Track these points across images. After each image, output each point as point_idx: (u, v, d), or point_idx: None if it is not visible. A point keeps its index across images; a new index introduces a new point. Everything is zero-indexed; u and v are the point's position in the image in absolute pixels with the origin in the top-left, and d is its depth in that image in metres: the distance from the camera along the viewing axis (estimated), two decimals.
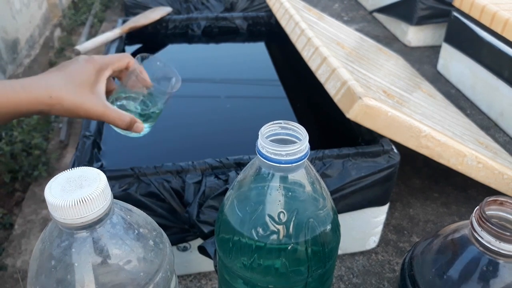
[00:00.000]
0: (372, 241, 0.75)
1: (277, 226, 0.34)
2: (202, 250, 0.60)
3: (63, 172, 0.31)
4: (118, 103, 0.59)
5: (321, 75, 0.75)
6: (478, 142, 0.84)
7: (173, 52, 1.13)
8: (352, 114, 0.65)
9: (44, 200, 0.30)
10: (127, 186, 0.59)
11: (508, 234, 0.31)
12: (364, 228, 0.72)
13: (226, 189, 0.59)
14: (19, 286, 0.76)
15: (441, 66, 1.32)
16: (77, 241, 0.30)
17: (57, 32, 1.79)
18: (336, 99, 0.69)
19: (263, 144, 0.33)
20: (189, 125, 0.84)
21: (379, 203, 0.69)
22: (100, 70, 0.55)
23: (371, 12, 1.75)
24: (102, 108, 0.53)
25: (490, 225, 0.32)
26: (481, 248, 0.33)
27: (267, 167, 0.34)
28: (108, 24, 1.80)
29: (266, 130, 0.35)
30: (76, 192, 0.29)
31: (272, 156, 0.33)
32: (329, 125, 0.85)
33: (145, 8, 1.35)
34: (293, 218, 0.34)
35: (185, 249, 0.67)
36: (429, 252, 0.37)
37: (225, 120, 0.86)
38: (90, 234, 0.30)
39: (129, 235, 0.32)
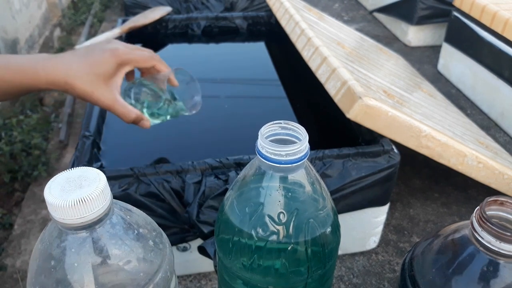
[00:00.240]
0: (372, 241, 0.75)
1: (277, 226, 0.34)
2: (202, 250, 0.60)
3: (63, 172, 0.31)
4: (135, 90, 0.62)
5: (321, 75, 0.75)
6: (479, 142, 0.84)
7: (173, 52, 1.13)
8: (352, 114, 0.65)
9: (43, 200, 0.30)
10: (126, 186, 0.59)
11: (509, 234, 0.31)
12: (364, 228, 0.72)
13: (226, 189, 0.59)
14: (18, 286, 0.76)
15: (442, 66, 1.32)
16: (77, 241, 0.30)
17: (57, 32, 1.79)
18: (336, 99, 0.69)
19: (263, 144, 0.33)
20: (189, 125, 0.84)
21: (379, 203, 0.69)
22: (122, 65, 0.57)
23: (371, 12, 1.75)
24: (111, 102, 0.56)
25: (491, 225, 0.32)
26: (481, 248, 0.33)
27: (267, 167, 0.34)
28: (107, 24, 1.80)
29: (266, 130, 0.35)
30: (76, 192, 0.29)
31: (272, 156, 0.33)
32: (329, 125, 0.85)
33: (145, 8, 1.35)
34: (293, 219, 0.34)
35: (185, 249, 0.67)
36: (430, 252, 0.37)
37: (225, 120, 0.86)
38: (90, 234, 0.30)
39: (129, 235, 0.32)
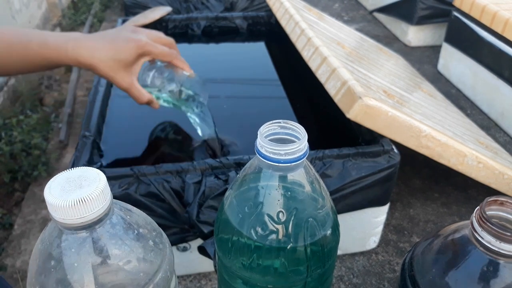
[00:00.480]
0: (372, 241, 0.75)
1: (276, 225, 0.34)
2: (202, 250, 0.60)
3: (63, 172, 0.31)
4: (154, 74, 0.71)
5: (321, 75, 0.75)
6: (479, 142, 0.84)
7: None
8: (352, 114, 0.65)
9: (43, 200, 0.30)
10: (126, 186, 0.59)
11: (509, 234, 0.31)
12: (364, 228, 0.72)
13: (226, 189, 0.59)
14: (18, 286, 0.76)
15: (442, 66, 1.32)
16: (77, 241, 0.30)
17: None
18: (336, 99, 0.69)
19: (262, 143, 0.33)
20: (189, 124, 0.84)
21: (379, 203, 0.69)
22: (142, 55, 0.66)
23: (371, 12, 1.75)
24: (129, 85, 0.66)
25: (491, 225, 0.32)
26: (481, 248, 0.33)
27: (266, 166, 0.34)
28: (107, 24, 1.80)
29: (265, 129, 0.35)
30: (76, 192, 0.29)
31: (271, 155, 0.33)
32: (329, 125, 0.85)
33: (145, 8, 1.35)
34: (292, 218, 0.34)
35: (185, 249, 0.67)
36: (429, 252, 0.37)
37: (225, 119, 0.86)
38: (90, 234, 0.30)
39: (129, 235, 0.32)
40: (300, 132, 0.34)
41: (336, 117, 0.73)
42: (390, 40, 1.54)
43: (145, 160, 0.75)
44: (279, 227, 0.34)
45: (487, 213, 0.33)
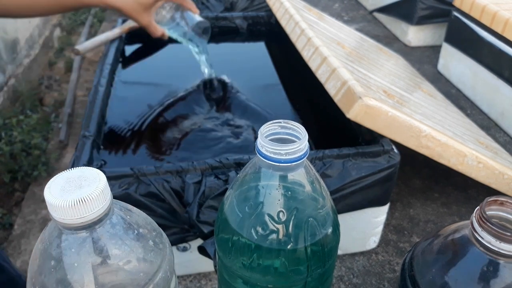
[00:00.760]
0: (372, 241, 0.75)
1: (276, 225, 0.34)
2: (202, 250, 0.60)
3: (63, 172, 0.31)
4: (166, 14, 0.90)
5: (321, 75, 0.75)
6: (479, 142, 0.84)
7: (173, 51, 1.12)
8: (352, 114, 0.65)
9: (43, 200, 0.30)
10: (126, 186, 0.59)
11: (509, 234, 0.31)
12: (364, 228, 0.72)
13: (226, 189, 0.59)
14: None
15: (442, 66, 1.32)
16: (77, 241, 0.30)
17: (57, 32, 1.79)
18: (336, 99, 0.69)
19: (263, 143, 0.33)
20: (189, 124, 0.84)
21: (379, 203, 0.69)
22: (158, 0, 0.83)
23: (371, 12, 1.75)
24: (147, 23, 0.85)
25: (491, 225, 0.32)
26: (481, 248, 0.33)
27: (267, 166, 0.34)
28: (107, 24, 1.80)
29: (266, 129, 0.35)
30: (76, 192, 0.29)
31: (272, 155, 0.33)
32: (329, 125, 0.85)
33: None
34: (293, 218, 0.34)
35: (185, 249, 0.67)
36: (429, 253, 0.37)
37: (224, 119, 0.86)
38: (90, 234, 0.30)
39: (129, 235, 0.32)
40: (301, 132, 0.34)
41: (336, 117, 0.73)
42: (390, 40, 1.54)
43: (145, 160, 0.75)
44: (280, 227, 0.34)
45: (487, 213, 0.33)
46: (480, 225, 0.32)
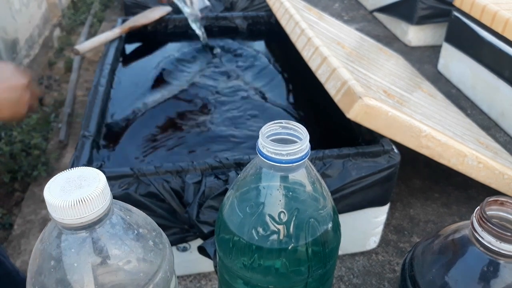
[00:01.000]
0: (372, 241, 0.75)
1: (277, 226, 0.34)
2: (202, 250, 0.60)
3: (63, 172, 0.31)
4: None
5: (321, 75, 0.75)
6: (479, 142, 0.83)
7: (173, 51, 1.12)
8: (352, 114, 0.65)
9: (43, 200, 0.30)
10: (126, 186, 0.59)
11: (509, 234, 0.31)
12: (364, 228, 0.72)
13: (226, 189, 0.59)
14: None
15: (442, 66, 1.32)
16: (77, 241, 0.30)
17: (57, 32, 1.79)
18: (336, 99, 0.69)
19: (264, 143, 0.33)
20: (189, 124, 0.84)
21: (379, 203, 0.69)
22: None
23: (371, 12, 1.75)
24: None
25: (491, 225, 0.32)
26: (481, 249, 0.33)
27: (268, 166, 0.34)
28: (107, 24, 1.79)
29: (267, 129, 0.35)
30: (76, 192, 0.29)
31: (273, 155, 0.33)
32: (329, 125, 0.85)
33: (145, 7, 1.35)
34: (294, 218, 0.34)
35: (185, 250, 0.67)
36: (430, 253, 0.37)
37: (224, 119, 0.86)
38: (90, 235, 0.30)
39: (129, 235, 0.32)
40: (302, 133, 0.34)
41: (336, 117, 0.73)
42: (390, 40, 1.53)
43: (145, 160, 0.75)
44: (281, 227, 0.34)
45: (487, 213, 0.33)
46: (480, 225, 0.32)
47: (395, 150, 0.66)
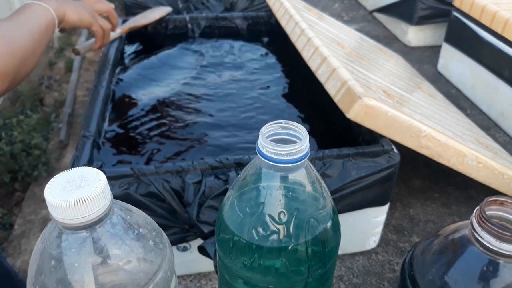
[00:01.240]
0: (372, 241, 0.75)
1: (277, 226, 0.34)
2: (202, 250, 0.60)
3: (63, 172, 0.31)
4: None
5: (321, 75, 0.75)
6: (479, 142, 0.84)
7: (173, 51, 1.12)
8: (352, 114, 0.65)
9: (44, 200, 0.30)
10: (127, 186, 0.59)
11: (509, 234, 0.31)
12: (364, 228, 0.72)
13: (226, 189, 0.59)
14: None
15: (441, 66, 1.32)
16: (77, 241, 0.30)
17: (57, 32, 1.79)
18: (336, 99, 0.69)
19: (264, 143, 0.33)
20: (189, 124, 0.84)
21: (379, 203, 0.69)
22: None
23: (371, 12, 1.75)
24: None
25: (490, 225, 0.32)
26: (481, 248, 0.33)
27: (268, 166, 0.34)
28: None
29: (267, 129, 0.35)
30: (76, 192, 0.29)
31: (273, 155, 0.33)
32: (329, 125, 0.85)
33: (145, 8, 1.35)
34: (294, 218, 0.34)
35: (185, 249, 0.67)
36: (429, 252, 0.37)
37: (225, 119, 0.86)
38: (90, 234, 0.30)
39: (129, 235, 0.32)
40: (302, 133, 0.34)
41: (336, 117, 0.73)
42: (390, 40, 1.54)
43: (145, 160, 0.75)
44: (281, 227, 0.34)
45: (487, 213, 0.33)
46: (480, 225, 0.32)
47: (395, 150, 0.67)
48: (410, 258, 0.38)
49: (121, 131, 0.80)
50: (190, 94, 0.93)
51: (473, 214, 0.34)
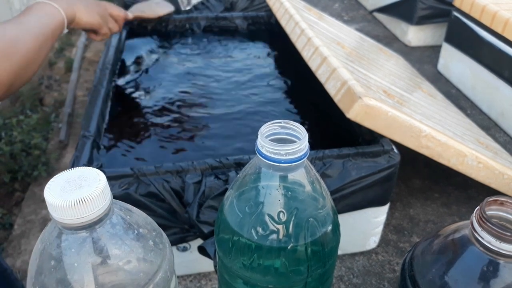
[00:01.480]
0: (372, 241, 0.75)
1: (276, 225, 0.34)
2: (202, 250, 0.60)
3: (63, 172, 0.31)
4: None
5: (321, 75, 0.75)
6: (479, 142, 0.84)
7: (173, 51, 1.12)
8: (352, 114, 0.65)
9: (43, 200, 0.30)
10: (127, 186, 0.59)
11: (509, 234, 0.31)
12: (364, 228, 0.72)
13: (226, 189, 0.59)
14: None
15: (442, 66, 1.32)
16: (77, 241, 0.30)
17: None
18: (336, 99, 0.69)
19: (263, 143, 0.33)
20: (189, 124, 0.84)
21: (379, 203, 0.69)
22: None
23: (371, 12, 1.75)
24: None
25: (491, 225, 0.32)
26: (481, 248, 0.33)
27: (267, 166, 0.34)
28: None
29: (266, 129, 0.35)
30: (76, 192, 0.29)
31: (272, 155, 0.33)
32: (329, 125, 0.85)
33: None
34: (293, 218, 0.34)
35: (185, 249, 0.67)
36: (429, 253, 0.37)
37: (225, 120, 0.86)
38: (90, 234, 0.30)
39: (129, 235, 0.32)
40: (301, 132, 0.34)
41: (336, 117, 0.73)
42: (390, 40, 1.54)
43: (145, 160, 0.75)
44: (280, 227, 0.34)
45: (487, 213, 0.33)
46: (480, 225, 0.32)
47: (395, 150, 0.67)
48: (410, 258, 0.38)
49: (121, 131, 0.80)
50: (190, 94, 0.93)
51: (473, 214, 0.34)
